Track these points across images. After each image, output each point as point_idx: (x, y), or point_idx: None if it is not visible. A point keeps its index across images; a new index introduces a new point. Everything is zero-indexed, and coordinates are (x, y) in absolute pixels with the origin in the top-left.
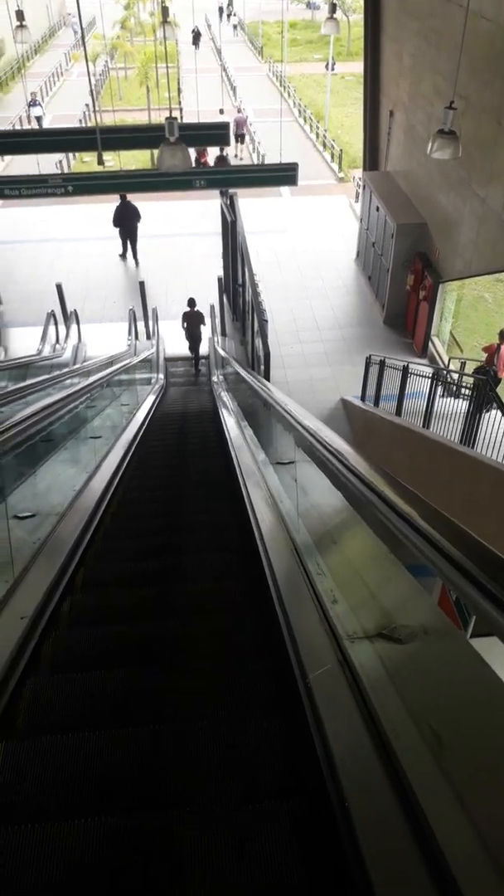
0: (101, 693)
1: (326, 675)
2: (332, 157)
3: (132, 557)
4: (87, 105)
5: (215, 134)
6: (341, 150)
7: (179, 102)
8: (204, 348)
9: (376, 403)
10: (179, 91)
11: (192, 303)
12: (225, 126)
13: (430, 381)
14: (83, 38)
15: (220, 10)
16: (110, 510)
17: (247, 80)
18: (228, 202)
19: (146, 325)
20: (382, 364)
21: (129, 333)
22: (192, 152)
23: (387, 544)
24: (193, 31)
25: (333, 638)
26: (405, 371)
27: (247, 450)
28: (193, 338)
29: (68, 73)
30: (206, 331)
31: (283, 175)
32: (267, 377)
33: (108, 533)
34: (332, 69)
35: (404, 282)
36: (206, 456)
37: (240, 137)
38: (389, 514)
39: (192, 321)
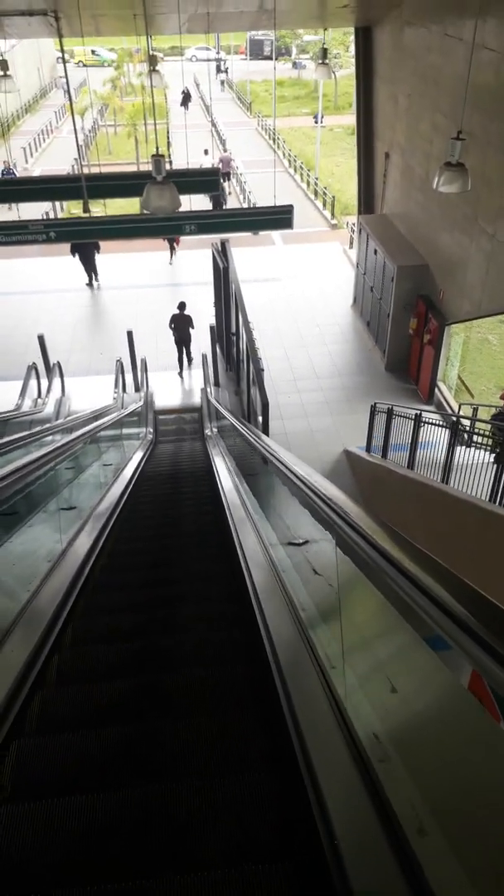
0: None
1: None
2: (325, 204)
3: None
4: (75, 159)
5: (205, 180)
6: (333, 197)
7: (169, 155)
8: (196, 399)
9: (384, 455)
10: (169, 145)
11: (181, 306)
12: (215, 172)
13: (447, 429)
14: (69, 88)
15: (217, 67)
16: (74, 618)
17: (236, 134)
18: (220, 248)
19: (134, 377)
20: (390, 412)
21: (116, 386)
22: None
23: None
24: (183, 92)
25: None
26: (417, 419)
27: (252, 527)
28: (182, 339)
29: (58, 130)
30: (194, 334)
31: (278, 218)
32: (266, 430)
33: (64, 668)
34: (321, 121)
35: (406, 326)
36: (202, 534)
37: (225, 176)
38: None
39: (181, 323)
